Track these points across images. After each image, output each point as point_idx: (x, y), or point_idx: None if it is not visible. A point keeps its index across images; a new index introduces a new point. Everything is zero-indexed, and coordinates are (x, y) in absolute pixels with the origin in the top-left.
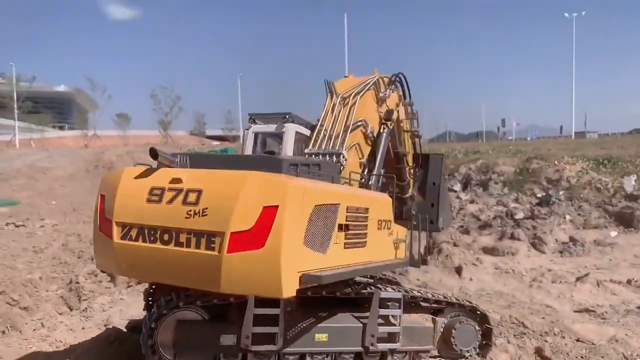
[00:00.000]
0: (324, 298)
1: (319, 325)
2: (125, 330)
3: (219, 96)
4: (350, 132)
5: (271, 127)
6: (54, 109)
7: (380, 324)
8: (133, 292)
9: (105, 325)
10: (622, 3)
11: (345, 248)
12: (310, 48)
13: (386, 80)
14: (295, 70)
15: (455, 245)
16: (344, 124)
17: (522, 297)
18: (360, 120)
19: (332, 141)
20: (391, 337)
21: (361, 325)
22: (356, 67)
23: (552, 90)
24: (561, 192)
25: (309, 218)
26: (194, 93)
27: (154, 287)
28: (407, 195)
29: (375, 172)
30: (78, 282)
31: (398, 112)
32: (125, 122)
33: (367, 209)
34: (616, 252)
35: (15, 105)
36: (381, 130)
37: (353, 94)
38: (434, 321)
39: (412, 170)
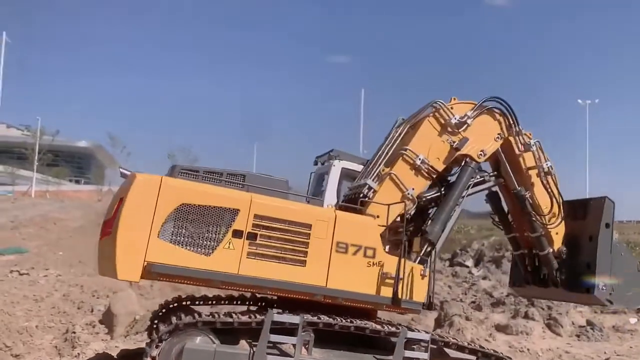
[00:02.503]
0: (343, 334)
1: None
2: (115, 357)
3: (236, 159)
4: (387, 162)
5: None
6: (73, 163)
7: None
8: (129, 340)
9: None
10: (634, 91)
11: (250, 258)
12: (328, 120)
13: (466, 107)
14: (311, 139)
15: (467, 319)
16: (383, 155)
17: None
18: (403, 149)
19: (369, 172)
20: None
21: None
22: (371, 139)
23: (565, 173)
24: None
25: (169, 213)
26: (212, 155)
27: (164, 310)
28: (547, 252)
29: (444, 210)
30: (74, 332)
31: (508, 143)
32: None
33: (308, 225)
34: (637, 339)
35: (36, 158)
36: (463, 165)
37: (405, 123)
38: None
39: (551, 220)
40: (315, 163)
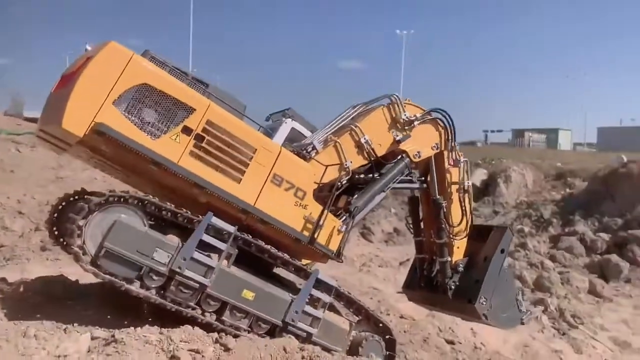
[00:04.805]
0: (261, 263)
1: (252, 282)
2: None
3: (42, 76)
4: (336, 132)
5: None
6: None
7: (307, 304)
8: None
9: None
10: (446, 23)
11: (192, 156)
12: None
13: (416, 110)
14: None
15: None
16: (332, 126)
17: (352, 280)
18: (354, 125)
19: (316, 136)
20: (312, 321)
21: (290, 300)
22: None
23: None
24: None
25: (130, 87)
26: (15, 69)
27: (68, 201)
28: (445, 259)
29: (369, 192)
30: None
31: (441, 154)
32: None
33: (254, 149)
34: None
35: None
36: (398, 158)
37: (362, 105)
38: (350, 326)
39: (458, 233)
40: (267, 119)
